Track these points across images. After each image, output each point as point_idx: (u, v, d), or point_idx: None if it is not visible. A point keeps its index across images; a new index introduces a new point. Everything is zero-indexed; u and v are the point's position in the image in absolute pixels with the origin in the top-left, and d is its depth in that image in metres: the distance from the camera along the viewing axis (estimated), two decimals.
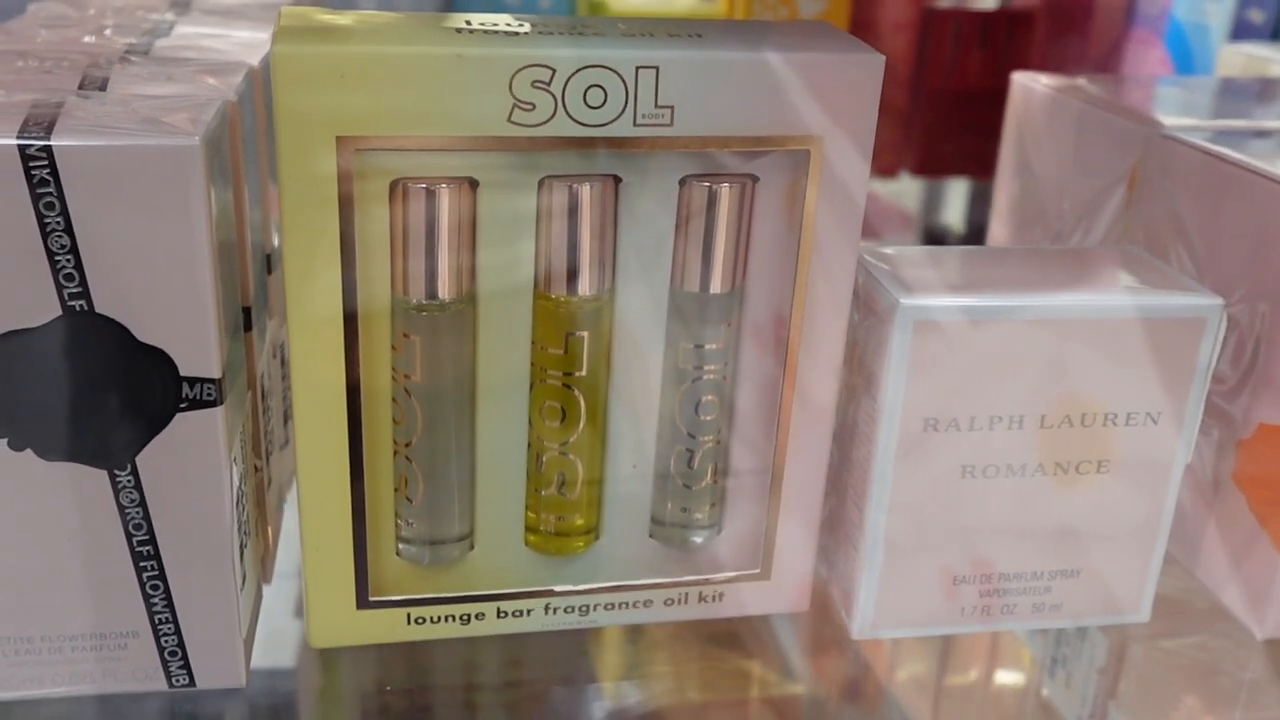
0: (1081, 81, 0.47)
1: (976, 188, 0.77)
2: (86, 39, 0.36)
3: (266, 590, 0.34)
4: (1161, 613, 0.37)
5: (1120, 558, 0.35)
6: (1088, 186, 0.44)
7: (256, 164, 0.34)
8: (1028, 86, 0.49)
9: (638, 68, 0.28)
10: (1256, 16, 0.63)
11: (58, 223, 0.26)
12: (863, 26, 0.70)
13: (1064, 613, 0.35)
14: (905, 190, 0.78)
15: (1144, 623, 0.36)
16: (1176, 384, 0.33)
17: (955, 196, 0.80)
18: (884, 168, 0.75)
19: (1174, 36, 0.67)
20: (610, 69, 0.28)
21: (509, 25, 0.29)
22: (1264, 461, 0.35)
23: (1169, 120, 0.41)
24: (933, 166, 0.75)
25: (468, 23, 0.29)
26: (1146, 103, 0.45)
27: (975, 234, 0.74)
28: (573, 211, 0.30)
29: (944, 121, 0.73)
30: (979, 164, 0.70)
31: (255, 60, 0.35)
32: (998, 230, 0.51)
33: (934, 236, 0.79)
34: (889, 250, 0.34)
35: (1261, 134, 0.40)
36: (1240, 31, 0.63)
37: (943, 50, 0.72)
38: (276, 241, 0.37)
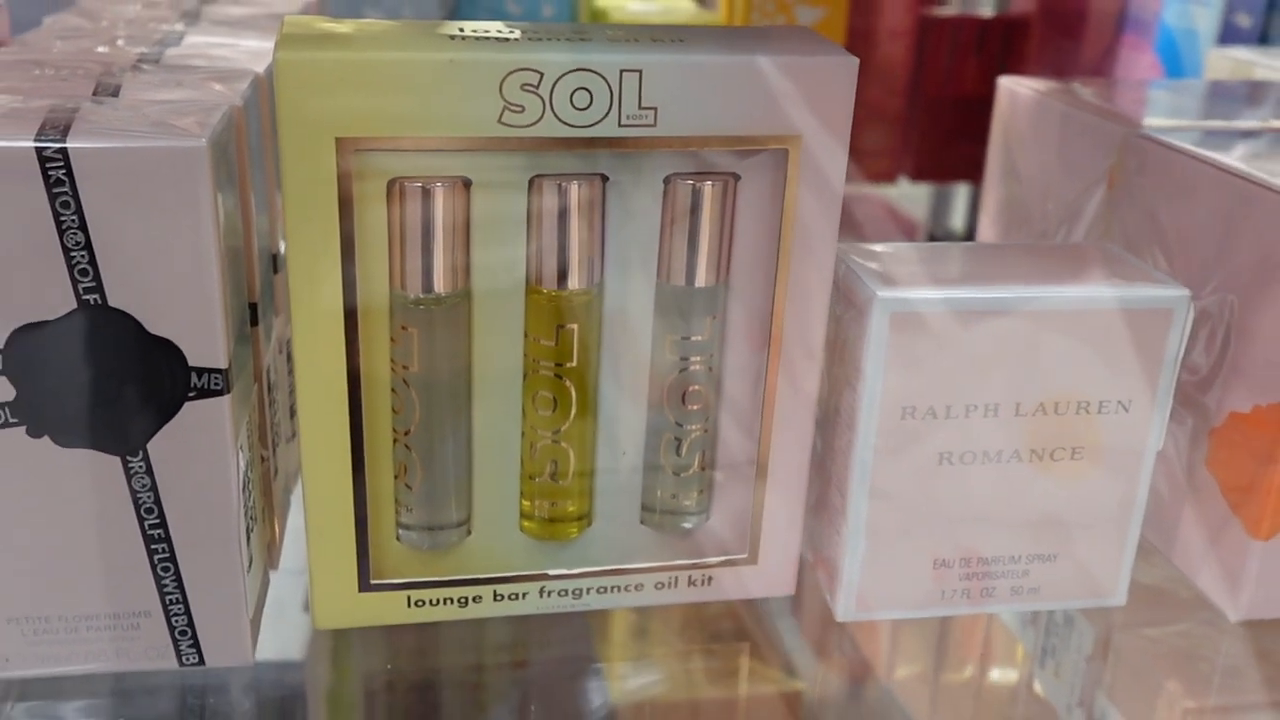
0: (1064, 85, 0.49)
1: (974, 192, 0.78)
2: (100, 49, 0.38)
3: (276, 585, 0.36)
4: (1146, 602, 0.38)
5: (1096, 542, 0.36)
6: (1070, 187, 0.45)
7: (263, 168, 0.36)
8: (1013, 90, 0.50)
9: (622, 71, 0.30)
10: (1244, 21, 0.64)
11: (73, 221, 0.28)
12: (860, 34, 0.71)
13: (1042, 596, 0.36)
14: (903, 195, 0.79)
15: (1121, 606, 0.37)
16: (1147, 373, 0.34)
17: (953, 201, 0.81)
18: (882, 173, 0.77)
19: (1164, 42, 0.69)
20: (595, 72, 0.29)
21: (500, 32, 0.31)
22: (1235, 449, 0.36)
23: (1153, 121, 0.42)
24: (931, 171, 0.77)
25: (461, 30, 0.31)
26: (1128, 105, 0.46)
27: (972, 237, 0.75)
28: (562, 209, 0.31)
29: (941, 127, 0.75)
30: (976, 168, 0.71)
31: (261, 68, 0.37)
32: (987, 231, 0.52)
33: (933, 240, 0.80)
34: (870, 246, 0.36)
35: (1245, 134, 0.41)
36: (1228, 36, 0.64)
37: (940, 57, 0.73)
38: (282, 245, 0.38)
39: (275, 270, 0.38)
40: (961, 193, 0.80)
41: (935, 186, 0.80)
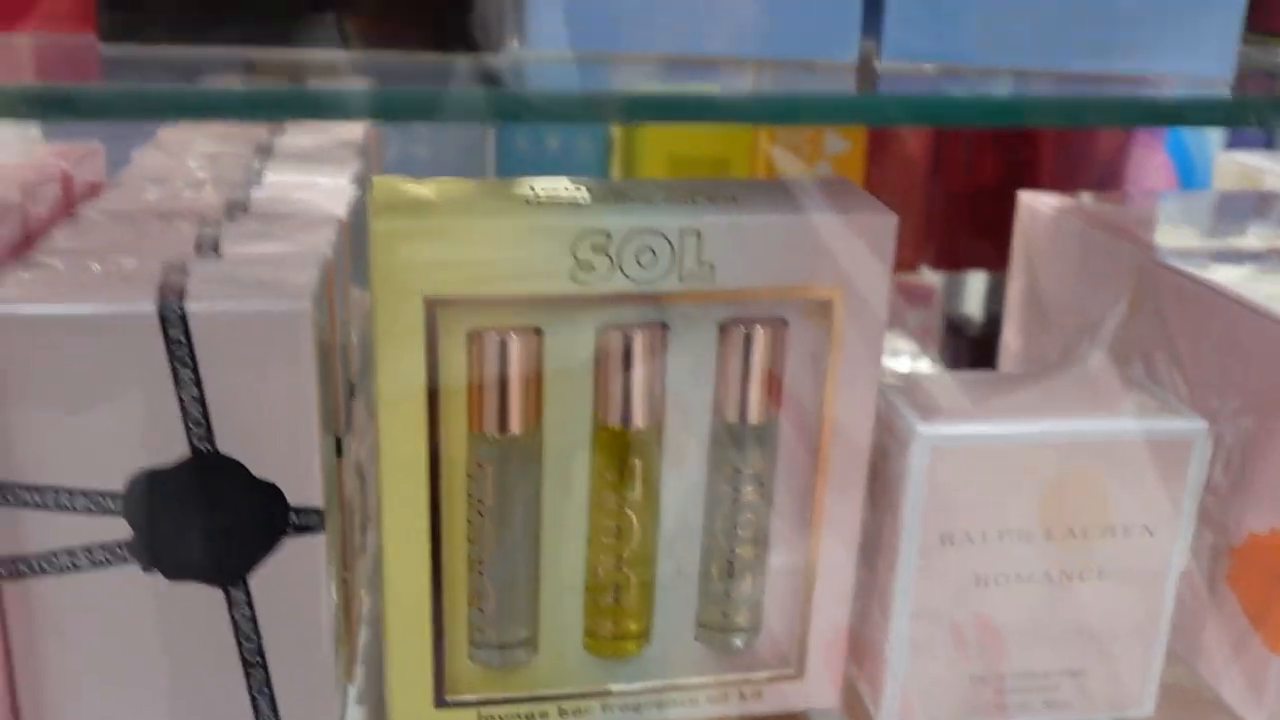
0: (1083, 199, 0.51)
1: (992, 279, 0.81)
2: (188, 193, 0.41)
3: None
4: (1175, 706, 0.40)
5: (1123, 657, 0.38)
6: (1091, 302, 0.48)
7: (344, 300, 0.39)
8: (1033, 206, 0.53)
9: (682, 231, 0.32)
10: None
11: (189, 376, 0.30)
12: (883, 128, 0.74)
13: (1074, 709, 0.38)
14: (925, 283, 0.82)
15: (1148, 717, 0.39)
16: (1169, 500, 0.36)
17: (972, 288, 0.84)
18: (905, 262, 0.79)
19: (1175, 142, 0.72)
20: (659, 233, 0.32)
21: (569, 191, 0.34)
22: (1254, 568, 0.38)
23: (1165, 243, 0.45)
24: (950, 260, 0.80)
25: (534, 190, 0.34)
26: (1144, 225, 0.49)
27: (991, 322, 0.77)
28: (626, 354, 0.34)
29: (960, 217, 0.78)
30: (993, 257, 0.74)
31: (340, 208, 0.40)
32: (1010, 338, 0.55)
33: (953, 324, 0.83)
34: (909, 375, 0.38)
35: (1256, 257, 0.44)
36: (1236, 140, 0.67)
37: (958, 150, 0.76)
38: (356, 339, 0.41)
39: (352, 394, 0.40)
40: (982, 280, 0.83)
41: (955, 274, 0.83)
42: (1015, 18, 0.30)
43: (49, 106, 0.23)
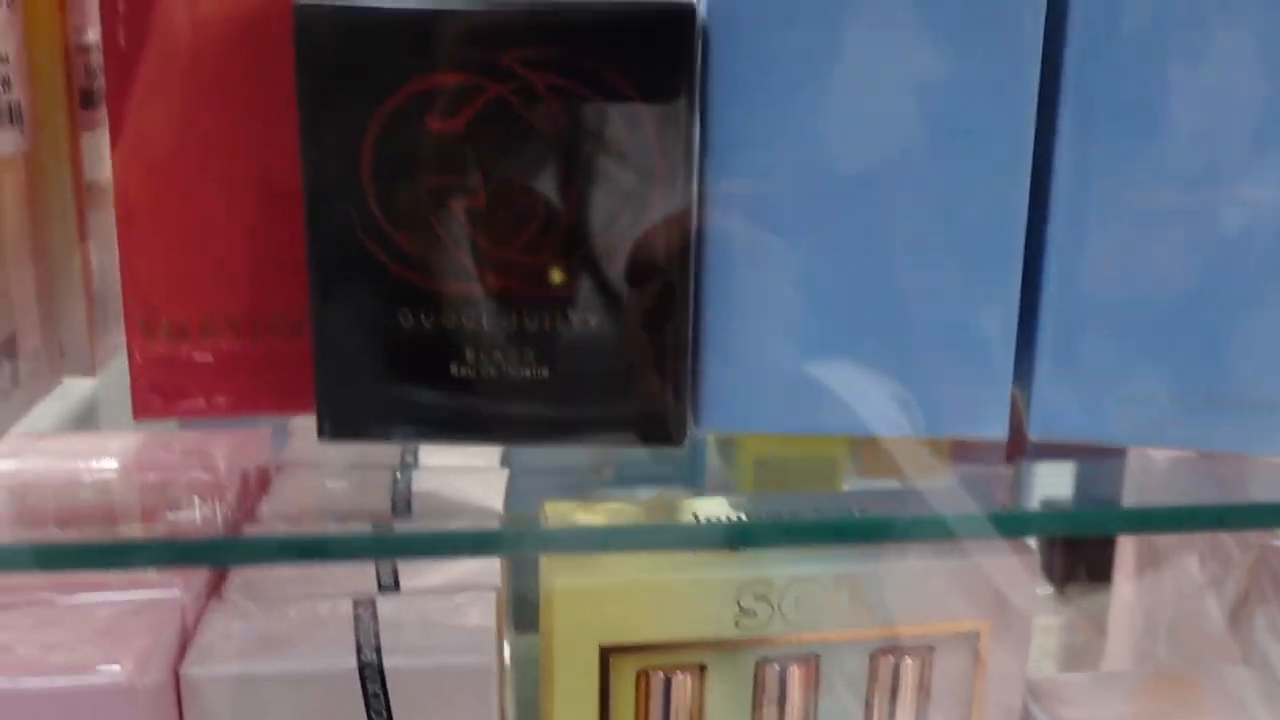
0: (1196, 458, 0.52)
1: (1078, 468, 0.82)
2: (351, 487, 0.44)
3: None
4: None
5: None
6: (1210, 562, 0.49)
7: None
8: (1146, 454, 0.54)
9: (838, 578, 0.34)
10: None
11: None
12: None
13: None
14: (1024, 470, 0.83)
15: None
16: None
17: (1067, 475, 0.85)
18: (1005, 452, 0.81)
19: None
20: (818, 581, 0.34)
21: (729, 516, 0.36)
22: None
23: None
24: (1049, 450, 0.81)
25: (696, 517, 0.36)
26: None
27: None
28: (781, 686, 0.36)
29: None
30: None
31: (498, 501, 0.42)
32: (1122, 585, 0.56)
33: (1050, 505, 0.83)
34: (1049, 688, 0.39)
35: None
36: None
37: None
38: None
39: None
40: (1072, 468, 0.84)
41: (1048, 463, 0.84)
42: (1154, 402, 0.32)
43: (304, 553, 0.26)
